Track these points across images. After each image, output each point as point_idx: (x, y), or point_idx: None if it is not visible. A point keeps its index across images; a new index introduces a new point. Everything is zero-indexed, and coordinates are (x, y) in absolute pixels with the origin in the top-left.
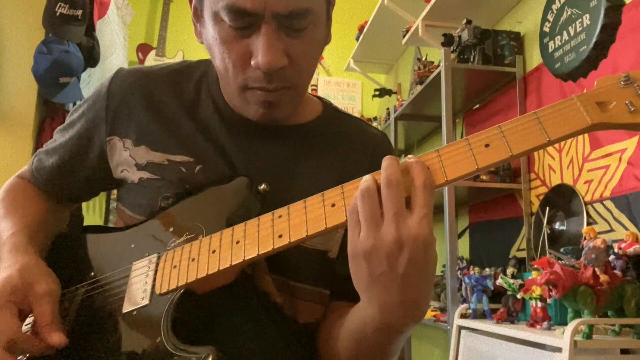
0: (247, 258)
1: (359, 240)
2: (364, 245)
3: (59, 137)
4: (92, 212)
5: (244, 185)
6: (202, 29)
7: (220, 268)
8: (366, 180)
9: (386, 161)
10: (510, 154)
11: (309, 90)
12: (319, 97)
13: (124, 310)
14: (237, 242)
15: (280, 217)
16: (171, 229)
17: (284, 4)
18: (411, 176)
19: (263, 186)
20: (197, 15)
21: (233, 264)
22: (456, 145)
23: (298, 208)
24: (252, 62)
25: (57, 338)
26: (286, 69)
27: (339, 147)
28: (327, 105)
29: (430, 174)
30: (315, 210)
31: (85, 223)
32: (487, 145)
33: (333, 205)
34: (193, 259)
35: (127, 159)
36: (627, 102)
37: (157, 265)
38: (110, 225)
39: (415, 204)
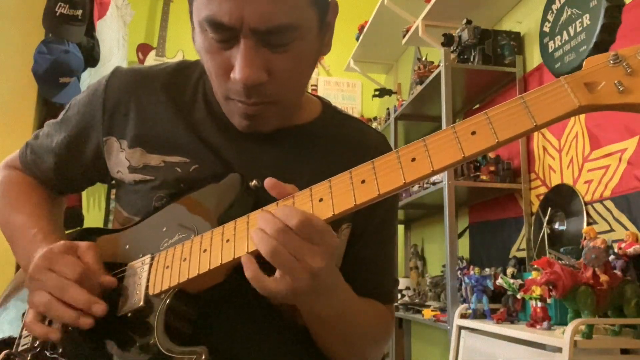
0: (237, 256)
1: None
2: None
3: (54, 133)
4: (92, 212)
5: (235, 183)
6: (194, 35)
7: (211, 267)
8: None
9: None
10: (497, 140)
11: (309, 90)
12: (319, 97)
13: (119, 313)
14: (228, 241)
15: None
16: (164, 229)
17: (262, 20)
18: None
19: (254, 182)
20: (192, 22)
21: (223, 262)
22: (443, 134)
23: (287, 204)
24: (231, 75)
25: (108, 280)
26: (266, 84)
27: (337, 148)
28: (326, 105)
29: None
30: (303, 205)
31: (86, 223)
32: (473, 133)
33: (321, 200)
34: (185, 259)
35: (123, 160)
36: (616, 82)
37: (150, 266)
38: (110, 224)
39: None
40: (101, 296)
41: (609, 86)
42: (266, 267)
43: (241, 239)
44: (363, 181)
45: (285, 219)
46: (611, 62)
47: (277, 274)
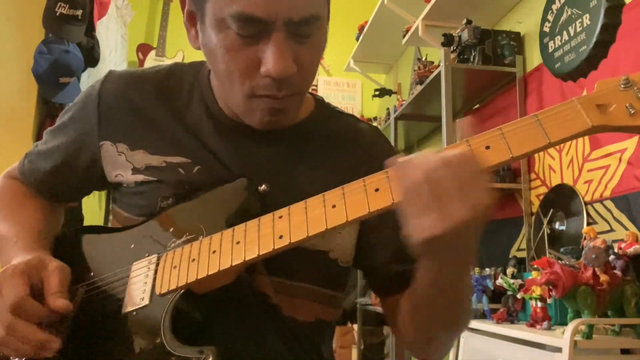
0: (247, 259)
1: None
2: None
3: (50, 140)
4: (92, 213)
5: (243, 186)
6: (201, 35)
7: (221, 268)
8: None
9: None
10: (511, 155)
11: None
12: (311, 94)
13: (124, 311)
14: (238, 243)
15: (280, 217)
16: (171, 230)
17: (296, 10)
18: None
19: (263, 187)
20: (193, 21)
21: (234, 264)
22: (458, 146)
23: (299, 209)
24: (262, 70)
25: (61, 303)
26: (294, 76)
27: (332, 145)
28: (319, 102)
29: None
30: (316, 210)
31: (86, 223)
32: (487, 147)
33: (334, 206)
34: (193, 260)
35: (124, 163)
36: (627, 105)
37: (157, 265)
38: (110, 224)
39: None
40: (58, 316)
41: (620, 109)
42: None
43: (252, 242)
44: (377, 189)
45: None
46: (622, 86)
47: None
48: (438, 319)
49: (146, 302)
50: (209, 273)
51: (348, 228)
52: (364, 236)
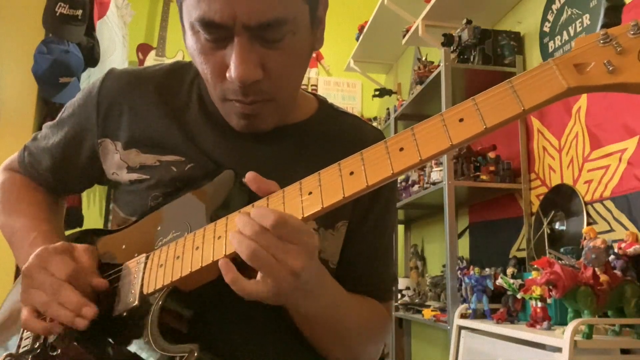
0: (228, 253)
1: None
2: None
3: (50, 135)
4: (92, 212)
5: (228, 179)
6: (185, 37)
7: (203, 264)
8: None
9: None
10: (484, 127)
11: (309, 89)
12: (314, 95)
13: (115, 312)
14: (219, 237)
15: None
16: (159, 228)
17: (253, 15)
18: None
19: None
20: (182, 25)
21: (215, 259)
22: (431, 122)
23: (277, 198)
24: (227, 75)
25: (99, 281)
26: (262, 82)
27: (334, 146)
28: (322, 102)
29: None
30: (294, 199)
31: (85, 223)
32: (461, 120)
33: (310, 193)
34: (178, 257)
35: (118, 162)
36: (605, 61)
37: (145, 265)
38: (110, 224)
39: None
40: (93, 297)
41: (598, 66)
42: (248, 267)
43: None
44: (352, 173)
45: (261, 220)
46: (601, 41)
47: (259, 276)
48: (327, 345)
49: (135, 302)
50: (192, 270)
51: (341, 228)
52: (345, 243)
